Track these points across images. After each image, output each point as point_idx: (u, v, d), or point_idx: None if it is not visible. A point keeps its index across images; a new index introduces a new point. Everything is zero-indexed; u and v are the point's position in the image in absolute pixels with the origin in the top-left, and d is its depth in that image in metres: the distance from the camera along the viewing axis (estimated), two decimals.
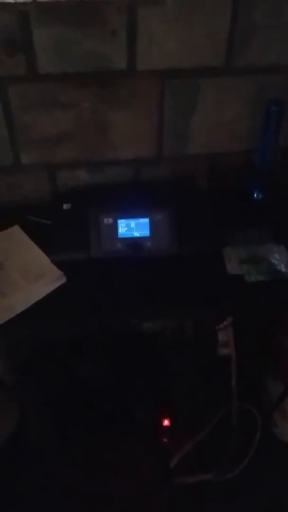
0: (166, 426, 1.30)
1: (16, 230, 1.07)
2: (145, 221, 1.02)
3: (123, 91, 1.03)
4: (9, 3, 0.87)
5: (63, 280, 0.96)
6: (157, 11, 0.93)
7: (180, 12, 0.94)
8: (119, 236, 1.01)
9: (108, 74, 1.00)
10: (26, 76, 0.97)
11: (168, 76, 1.02)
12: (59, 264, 0.99)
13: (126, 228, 1.01)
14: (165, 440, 1.30)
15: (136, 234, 1.02)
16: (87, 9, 0.90)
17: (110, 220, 1.01)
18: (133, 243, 1.01)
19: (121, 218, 1.01)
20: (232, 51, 1.01)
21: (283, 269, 1.00)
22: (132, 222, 1.02)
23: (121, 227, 1.01)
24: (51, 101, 1.02)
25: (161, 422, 1.30)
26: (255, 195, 1.17)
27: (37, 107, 1.02)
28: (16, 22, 0.90)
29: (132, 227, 1.02)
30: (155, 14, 0.93)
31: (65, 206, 1.06)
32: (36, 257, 1.01)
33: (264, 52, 1.02)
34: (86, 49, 0.95)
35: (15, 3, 0.87)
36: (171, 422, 1.31)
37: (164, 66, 1.00)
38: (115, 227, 1.01)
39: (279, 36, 1.00)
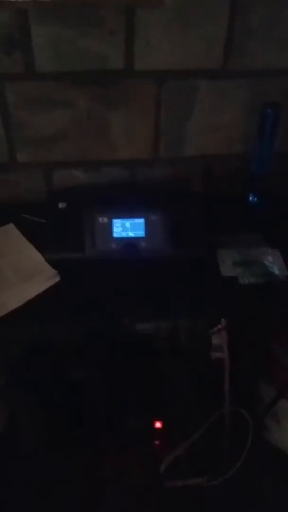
0: (157, 429, 1.29)
1: (10, 228, 1.07)
2: (140, 221, 1.02)
3: (120, 91, 1.03)
4: (8, 1, 0.87)
5: (57, 279, 0.96)
6: (155, 12, 0.93)
7: (178, 14, 0.94)
8: (114, 236, 1.01)
9: (106, 74, 1.00)
10: (23, 74, 0.98)
11: (165, 77, 1.03)
12: (53, 263, 0.99)
13: (121, 228, 1.01)
14: (156, 443, 1.29)
15: (131, 234, 1.02)
16: (86, 8, 0.90)
17: (105, 220, 1.01)
18: (128, 243, 1.01)
19: (116, 218, 1.01)
20: (229, 54, 1.01)
21: (277, 272, 1.00)
22: (127, 222, 1.01)
23: (116, 227, 1.01)
24: (48, 99, 1.02)
25: (153, 425, 1.29)
26: (250, 198, 1.17)
27: (34, 105, 1.02)
28: (15, 20, 0.91)
29: (127, 227, 1.01)
30: (153, 15, 0.94)
31: (60, 205, 1.06)
32: (30, 255, 1.01)
33: (261, 56, 1.03)
34: (84, 48, 0.96)
35: (14, 1, 0.87)
36: (162, 425, 1.30)
37: (161, 67, 1.01)
38: (110, 227, 1.01)
39: (276, 40, 1.01)
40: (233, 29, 0.98)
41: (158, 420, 1.30)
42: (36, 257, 1.00)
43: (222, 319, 1.14)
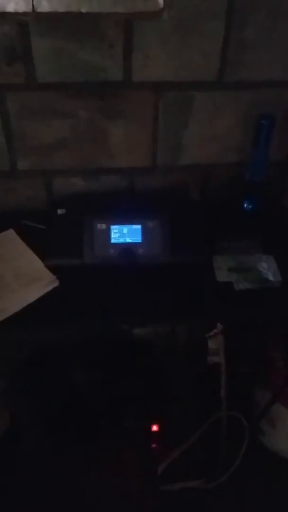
0: (154, 432, 1.31)
1: (10, 234, 1.08)
2: (138, 227, 1.04)
3: (119, 102, 1.05)
4: (9, 13, 0.88)
5: (56, 283, 0.98)
6: (153, 26, 0.95)
7: (175, 28, 0.96)
8: (112, 241, 1.03)
9: (105, 85, 1.02)
10: (24, 85, 1.00)
11: (163, 89, 1.05)
12: (52, 269, 1.00)
13: (118, 234, 1.03)
14: (153, 446, 1.30)
15: (129, 240, 1.04)
16: (86, 21, 0.92)
17: (103, 226, 1.03)
18: (125, 249, 1.03)
19: (114, 224, 1.03)
20: (225, 67, 1.03)
21: (271, 278, 1.02)
22: (125, 229, 1.03)
23: (114, 233, 1.03)
24: (49, 109, 1.04)
25: (150, 428, 1.30)
26: (245, 205, 1.20)
27: (35, 115, 1.04)
28: (16, 32, 0.93)
29: (125, 233, 1.03)
30: (151, 28, 0.96)
31: (59, 211, 1.08)
32: (29, 261, 1.02)
33: (256, 68, 1.05)
34: (83, 60, 0.97)
35: (15, 13, 0.89)
36: (159, 428, 1.31)
37: (159, 79, 1.03)
38: (108, 233, 1.03)
39: (271, 52, 1.03)
40: (229, 42, 1.00)
41: (156, 423, 1.32)
42: (35, 262, 1.02)
43: (218, 324, 1.16)
